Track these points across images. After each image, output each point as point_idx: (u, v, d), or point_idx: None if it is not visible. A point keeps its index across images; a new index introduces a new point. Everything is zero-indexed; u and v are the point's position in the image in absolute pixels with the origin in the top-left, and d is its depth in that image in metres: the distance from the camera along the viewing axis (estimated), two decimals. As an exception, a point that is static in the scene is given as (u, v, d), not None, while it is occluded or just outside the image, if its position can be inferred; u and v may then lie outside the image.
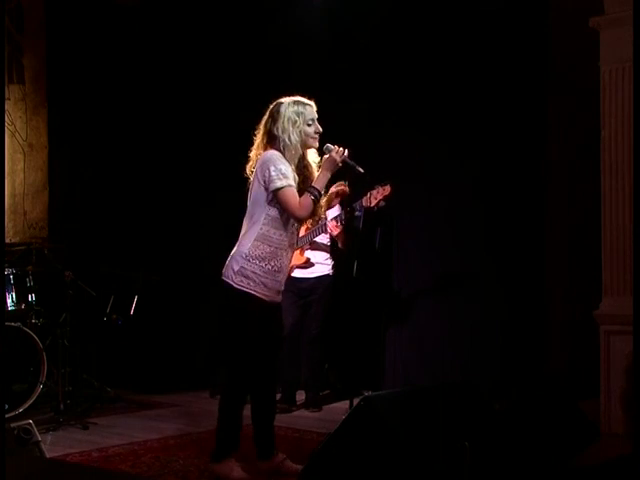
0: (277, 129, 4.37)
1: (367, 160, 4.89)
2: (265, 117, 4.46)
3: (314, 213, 4.47)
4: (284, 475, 4.51)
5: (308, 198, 4.31)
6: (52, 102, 7.45)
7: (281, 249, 4.38)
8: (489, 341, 6.26)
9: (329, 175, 4.41)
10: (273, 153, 4.35)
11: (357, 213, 5.69)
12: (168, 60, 7.47)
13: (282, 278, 4.46)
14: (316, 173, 4.48)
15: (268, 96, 6.86)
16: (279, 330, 4.68)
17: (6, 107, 7.01)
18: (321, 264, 6.35)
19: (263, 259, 4.34)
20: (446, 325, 6.49)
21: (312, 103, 4.48)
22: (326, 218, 6.19)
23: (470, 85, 6.34)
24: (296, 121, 4.37)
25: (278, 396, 6.34)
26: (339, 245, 6.29)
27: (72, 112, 7.48)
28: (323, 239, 6.28)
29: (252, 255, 4.33)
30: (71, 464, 4.47)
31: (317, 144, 4.48)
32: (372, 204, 5.60)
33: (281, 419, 5.84)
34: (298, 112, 4.39)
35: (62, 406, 5.88)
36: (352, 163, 4.46)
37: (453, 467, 3.50)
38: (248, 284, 4.33)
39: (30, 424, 3.42)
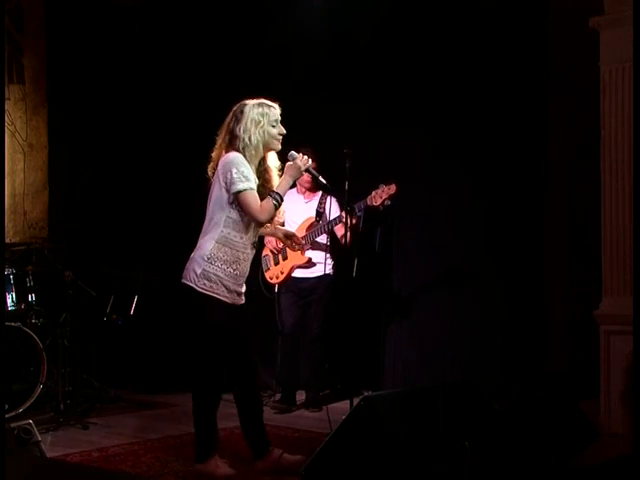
0: (239, 129, 4.41)
1: (367, 160, 4.92)
2: (228, 117, 4.51)
3: (273, 217, 4.53)
4: (284, 470, 4.51)
5: (270, 202, 4.37)
6: (52, 102, 7.44)
7: (243, 252, 4.43)
8: (489, 341, 6.26)
9: (291, 182, 4.51)
10: (236, 155, 4.39)
11: (357, 213, 5.69)
12: (168, 60, 7.47)
13: (242, 282, 4.51)
14: (275, 177, 4.53)
15: (268, 96, 6.87)
16: (246, 330, 4.64)
17: (6, 107, 7.01)
18: (321, 264, 6.34)
19: (225, 262, 4.38)
20: (446, 325, 6.49)
21: (276, 105, 4.52)
22: (327, 218, 6.19)
23: (470, 85, 6.34)
24: (260, 121, 4.42)
25: (278, 396, 6.37)
26: (342, 242, 6.29)
27: (72, 112, 7.48)
28: (323, 239, 6.27)
29: (214, 257, 4.37)
30: (71, 464, 4.47)
31: (279, 146, 4.53)
32: (377, 203, 5.60)
33: (281, 419, 5.86)
34: (262, 113, 4.44)
35: (62, 406, 5.88)
36: (315, 173, 4.57)
37: (453, 467, 3.51)
38: (211, 287, 4.37)
39: (30, 424, 3.42)
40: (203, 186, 7.33)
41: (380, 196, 5.60)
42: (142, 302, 6.51)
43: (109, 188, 7.51)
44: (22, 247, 6.72)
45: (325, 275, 6.35)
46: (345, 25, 6.83)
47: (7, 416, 5.41)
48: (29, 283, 6.28)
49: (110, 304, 6.51)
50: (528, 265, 6.22)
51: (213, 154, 4.55)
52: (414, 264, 6.65)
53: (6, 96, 7.02)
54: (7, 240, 6.91)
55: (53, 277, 6.34)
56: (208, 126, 7.34)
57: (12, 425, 3.42)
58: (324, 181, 4.65)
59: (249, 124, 4.40)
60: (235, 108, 4.50)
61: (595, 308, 5.48)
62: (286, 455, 4.58)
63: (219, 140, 4.51)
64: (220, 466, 4.50)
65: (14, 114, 7.23)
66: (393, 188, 5.60)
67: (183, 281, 4.44)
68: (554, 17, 6.11)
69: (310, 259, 6.28)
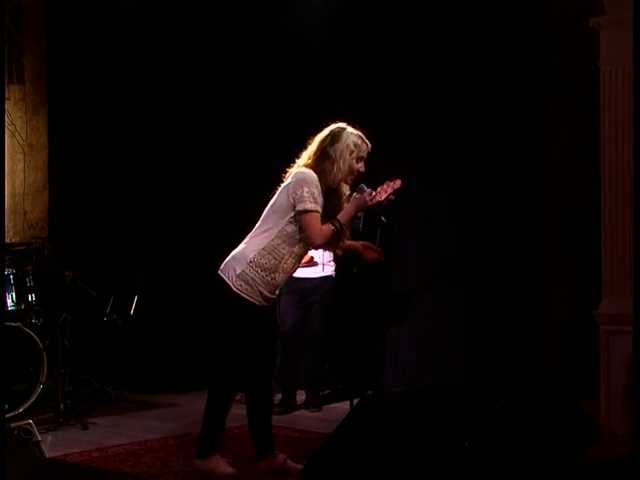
0: (334, 151, 4.42)
1: (367, 160, 4.91)
2: (324, 134, 4.49)
3: (332, 243, 4.57)
4: (285, 475, 4.52)
5: (329, 228, 4.39)
6: (52, 102, 7.44)
7: (285, 263, 4.43)
8: (489, 341, 6.26)
9: (354, 212, 4.50)
10: (312, 175, 4.40)
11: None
12: (168, 60, 7.47)
13: (276, 292, 4.54)
14: (344, 204, 4.55)
15: (267, 97, 6.88)
16: (270, 333, 4.73)
17: (6, 107, 7.00)
18: (325, 265, 6.35)
19: (265, 269, 4.38)
20: (446, 325, 6.49)
21: (369, 144, 4.53)
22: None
23: (470, 85, 6.33)
24: (352, 152, 4.45)
25: (278, 396, 6.36)
26: (337, 251, 6.30)
27: (72, 112, 7.47)
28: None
29: (256, 262, 4.38)
30: (71, 464, 4.47)
31: (350, 182, 4.55)
32: (382, 198, 5.58)
33: (281, 419, 5.86)
34: (357, 144, 4.47)
35: (62, 406, 5.88)
36: (379, 211, 4.56)
37: (453, 467, 3.50)
38: (246, 289, 4.38)
39: (30, 424, 3.42)
40: (203, 185, 7.37)
41: (385, 191, 5.58)
42: (142, 302, 6.51)
43: (109, 188, 7.51)
44: (22, 247, 6.71)
45: (328, 276, 6.36)
46: (345, 25, 6.83)
47: (7, 416, 5.40)
48: (29, 283, 6.27)
49: (110, 304, 6.51)
50: (528, 265, 6.22)
51: (298, 160, 4.53)
52: (414, 264, 6.65)
53: (6, 96, 7.01)
54: (7, 240, 6.91)
55: (53, 277, 6.34)
56: (208, 126, 7.40)
57: (12, 425, 3.42)
58: (385, 221, 4.64)
59: (345, 150, 4.42)
60: (333, 127, 4.50)
61: (595, 308, 5.47)
62: (290, 462, 4.58)
63: (308, 151, 4.50)
64: (221, 464, 4.51)
65: (14, 114, 7.22)
66: (398, 183, 5.57)
67: (220, 274, 4.44)
68: (554, 17, 6.11)
69: (312, 258, 6.28)
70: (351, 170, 4.46)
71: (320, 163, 4.43)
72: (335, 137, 4.45)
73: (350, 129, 4.50)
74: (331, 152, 4.41)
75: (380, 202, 5.56)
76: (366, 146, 4.50)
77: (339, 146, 4.42)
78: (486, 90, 6.28)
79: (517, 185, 6.23)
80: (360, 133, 4.52)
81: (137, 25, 7.56)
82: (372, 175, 5.97)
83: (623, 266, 5.34)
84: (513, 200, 6.23)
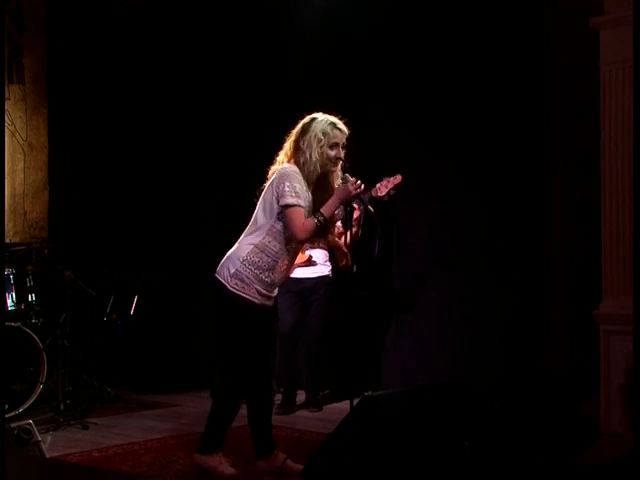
0: (303, 142, 4.39)
1: (366, 161, 4.92)
2: (297, 127, 4.48)
3: (320, 236, 4.55)
4: (286, 475, 4.52)
5: (312, 222, 4.33)
6: (52, 102, 7.45)
7: (277, 262, 4.41)
8: (489, 341, 6.26)
9: (339, 204, 4.43)
10: (294, 170, 4.38)
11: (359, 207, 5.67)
12: (168, 60, 7.47)
13: (273, 290, 4.51)
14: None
15: (268, 97, 6.86)
16: (271, 332, 4.73)
17: (6, 107, 7.01)
18: (321, 264, 6.35)
19: (259, 267, 4.37)
20: (446, 325, 6.49)
21: (344, 129, 4.45)
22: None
23: (470, 85, 6.34)
24: (321, 140, 4.38)
25: (279, 396, 6.36)
26: (340, 264, 6.26)
27: (72, 112, 7.48)
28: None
29: (249, 261, 4.37)
30: (71, 464, 4.48)
31: (335, 169, 4.48)
32: (383, 193, 5.56)
33: (281, 419, 5.86)
34: (325, 132, 4.39)
35: (62, 406, 5.88)
36: (366, 202, 4.52)
37: (453, 467, 3.51)
38: (243, 288, 4.37)
39: (30, 424, 3.42)
40: (203, 186, 7.37)
41: (385, 186, 5.56)
42: (142, 302, 6.51)
43: (109, 188, 7.51)
44: (22, 247, 6.72)
45: (325, 276, 6.36)
46: (345, 25, 6.83)
47: (7, 416, 5.41)
48: (29, 283, 6.28)
49: (110, 304, 6.51)
50: (528, 265, 6.22)
51: (278, 157, 4.51)
52: (414, 264, 6.65)
53: (6, 96, 7.02)
54: (7, 240, 6.91)
55: (53, 277, 6.34)
56: (209, 126, 7.40)
57: (12, 425, 3.42)
58: (372, 210, 4.60)
59: (312, 140, 4.37)
60: (305, 120, 4.47)
61: (595, 308, 5.47)
62: (290, 462, 4.57)
63: (285, 146, 4.49)
64: (222, 463, 4.52)
65: (14, 114, 7.23)
66: (398, 178, 5.56)
67: (216, 276, 4.44)
68: (554, 17, 6.11)
69: (310, 257, 6.28)
70: (326, 159, 4.40)
71: (296, 157, 4.41)
72: (304, 129, 4.42)
73: (321, 117, 4.44)
74: (301, 144, 4.39)
75: (377, 195, 5.55)
76: (339, 132, 4.42)
77: (307, 137, 4.38)
78: (487, 90, 6.28)
79: (517, 185, 6.23)
80: (334, 119, 4.44)
81: (137, 25, 7.56)
82: (371, 176, 5.98)
83: (623, 266, 5.33)
84: (513, 200, 6.23)
